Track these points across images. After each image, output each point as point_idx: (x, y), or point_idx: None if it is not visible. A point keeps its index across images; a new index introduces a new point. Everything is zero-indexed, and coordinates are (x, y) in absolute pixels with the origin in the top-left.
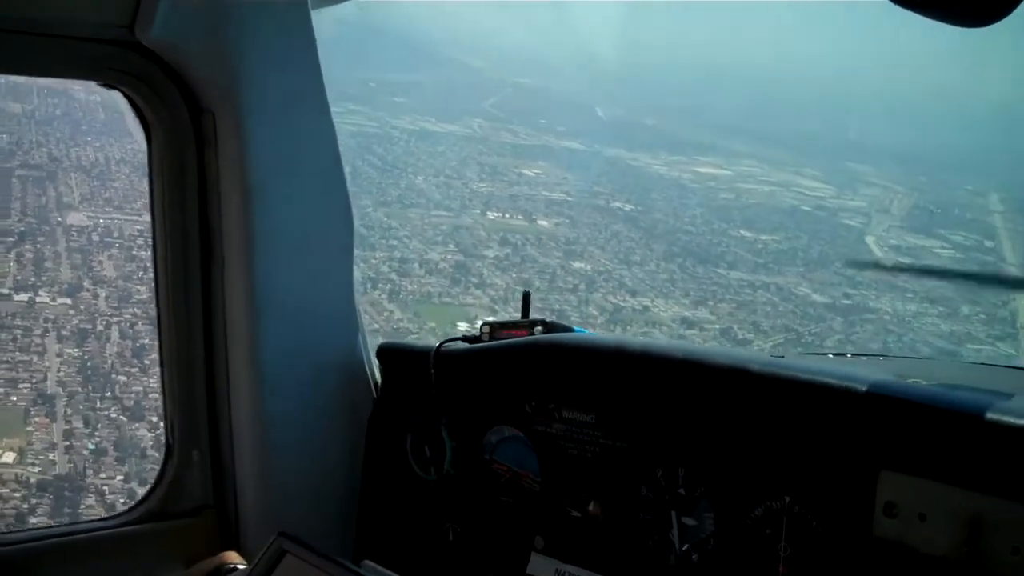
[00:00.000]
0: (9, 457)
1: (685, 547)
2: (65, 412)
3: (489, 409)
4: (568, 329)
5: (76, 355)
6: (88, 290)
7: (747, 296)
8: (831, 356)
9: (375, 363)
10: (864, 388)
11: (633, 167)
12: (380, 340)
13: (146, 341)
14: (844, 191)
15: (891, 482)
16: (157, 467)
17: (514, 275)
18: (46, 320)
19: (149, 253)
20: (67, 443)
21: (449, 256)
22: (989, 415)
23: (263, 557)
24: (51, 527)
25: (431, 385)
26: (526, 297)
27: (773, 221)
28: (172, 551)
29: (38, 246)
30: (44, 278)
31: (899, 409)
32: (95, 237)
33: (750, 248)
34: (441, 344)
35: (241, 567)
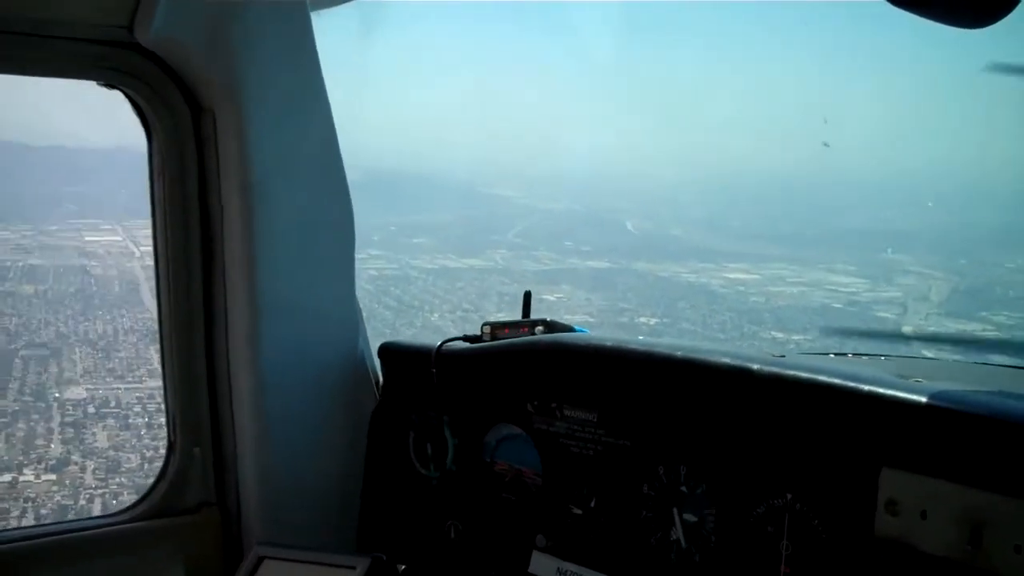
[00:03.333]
0: None
1: (687, 545)
2: None
3: (491, 408)
4: (569, 329)
5: None
6: (76, 463)
7: None
8: (832, 356)
9: (377, 362)
10: (865, 387)
11: (661, 278)
12: (381, 339)
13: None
14: (878, 283)
15: (893, 480)
16: None
17: None
18: (27, 500)
19: (144, 420)
20: None
21: None
22: (991, 413)
23: (242, 570)
24: (53, 524)
25: (433, 384)
26: (527, 297)
27: (804, 321)
28: (174, 548)
29: (31, 423)
30: (32, 455)
31: (900, 408)
32: (91, 409)
33: (781, 351)
34: (442, 343)
35: None
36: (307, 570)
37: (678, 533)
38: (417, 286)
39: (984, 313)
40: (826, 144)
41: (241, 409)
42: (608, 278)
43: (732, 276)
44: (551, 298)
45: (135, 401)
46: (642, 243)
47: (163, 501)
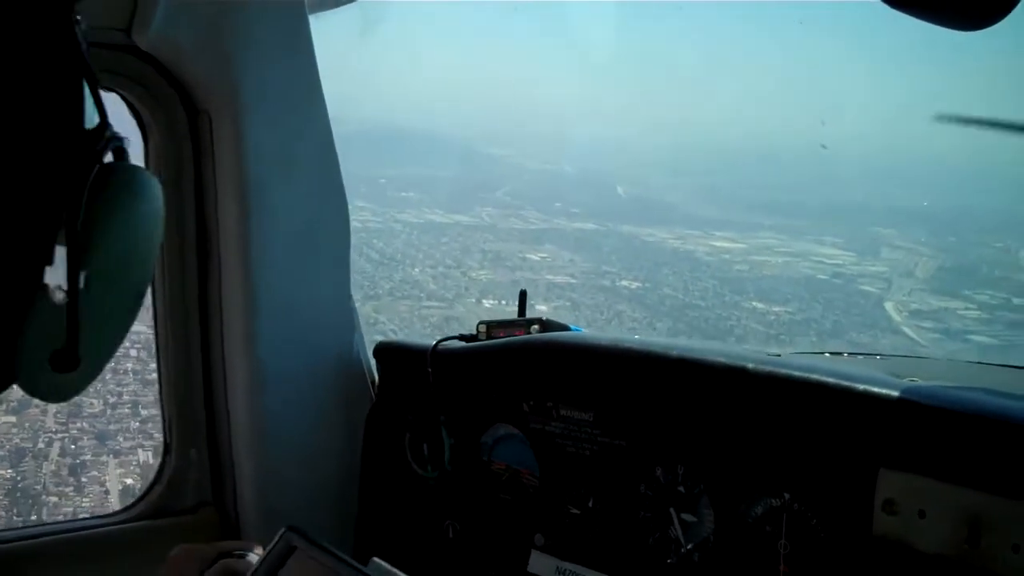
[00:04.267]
0: None
1: (686, 545)
2: None
3: (487, 407)
4: (565, 328)
5: (8, 476)
6: (37, 406)
7: None
8: (828, 355)
9: (372, 361)
10: (860, 386)
11: (648, 243)
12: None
13: (88, 457)
14: (865, 257)
15: (890, 480)
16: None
17: None
18: None
19: (111, 364)
20: None
21: None
22: (988, 413)
23: (273, 550)
24: (49, 524)
25: (428, 383)
26: (523, 296)
27: (787, 292)
28: (170, 548)
29: None
30: None
31: (897, 407)
32: None
33: (761, 320)
34: (438, 343)
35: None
36: None
37: (676, 533)
38: (401, 239)
39: (967, 292)
40: (824, 147)
41: (237, 409)
42: (593, 240)
43: (718, 244)
44: (535, 257)
45: None
46: (631, 207)
47: (160, 501)
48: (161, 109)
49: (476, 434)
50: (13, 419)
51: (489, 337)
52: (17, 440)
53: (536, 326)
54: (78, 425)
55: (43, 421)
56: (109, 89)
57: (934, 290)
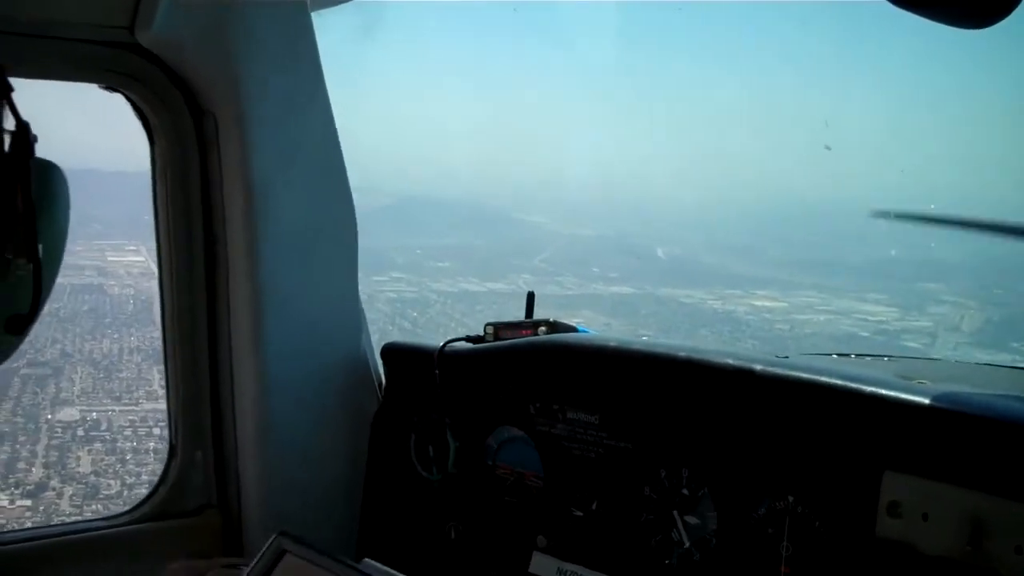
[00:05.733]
0: None
1: (688, 546)
2: None
3: (493, 409)
4: (572, 329)
5: None
6: (54, 489)
7: None
8: (835, 356)
9: (380, 363)
10: (868, 388)
11: (685, 305)
12: (385, 340)
13: None
14: (910, 312)
15: (894, 482)
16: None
17: None
18: None
19: (132, 444)
20: None
21: None
22: (993, 415)
23: (263, 556)
24: (54, 526)
25: (435, 385)
26: (530, 297)
27: (828, 349)
28: (174, 550)
29: (16, 446)
30: (11, 479)
31: (902, 409)
32: (80, 432)
33: None
34: (445, 344)
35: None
36: None
37: (679, 535)
38: (435, 309)
39: (1016, 344)
40: (828, 147)
41: (243, 411)
42: (631, 304)
43: (759, 303)
44: (570, 323)
45: (127, 424)
46: (670, 269)
47: (164, 503)
48: (167, 111)
49: (481, 437)
50: (28, 503)
51: (496, 338)
52: (30, 524)
53: (544, 327)
54: (92, 507)
55: (58, 504)
56: (113, 89)
57: (980, 343)
